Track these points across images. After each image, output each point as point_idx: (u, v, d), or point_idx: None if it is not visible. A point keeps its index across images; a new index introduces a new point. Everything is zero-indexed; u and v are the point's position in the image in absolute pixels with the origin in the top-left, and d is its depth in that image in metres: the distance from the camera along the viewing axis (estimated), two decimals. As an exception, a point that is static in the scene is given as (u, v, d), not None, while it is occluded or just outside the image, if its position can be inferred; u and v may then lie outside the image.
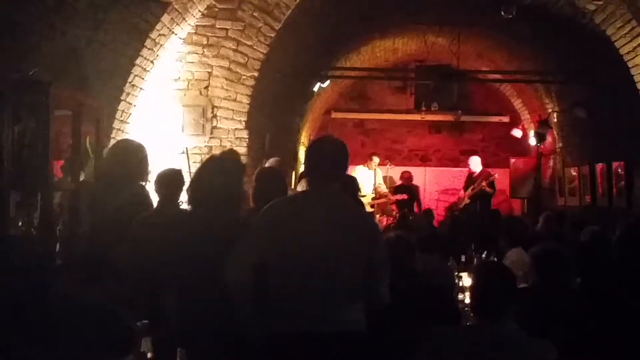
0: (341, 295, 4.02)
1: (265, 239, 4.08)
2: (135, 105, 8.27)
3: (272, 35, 9.41)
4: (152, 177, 6.25)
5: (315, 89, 14.11)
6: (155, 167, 6.63)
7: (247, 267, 4.03)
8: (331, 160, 4.24)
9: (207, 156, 8.89)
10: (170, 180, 5.85)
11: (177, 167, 7.19)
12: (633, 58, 10.23)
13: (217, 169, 4.59)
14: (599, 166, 12.90)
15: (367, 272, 4.06)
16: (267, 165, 8.04)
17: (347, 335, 4.01)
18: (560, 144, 15.65)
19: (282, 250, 4.03)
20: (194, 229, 4.41)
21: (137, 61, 7.85)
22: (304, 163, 4.36)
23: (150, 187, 6.18)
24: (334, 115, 19.05)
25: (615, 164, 12.17)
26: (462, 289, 6.66)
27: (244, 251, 4.08)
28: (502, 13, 9.43)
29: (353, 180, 10.37)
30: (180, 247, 4.37)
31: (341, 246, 4.03)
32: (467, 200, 15.18)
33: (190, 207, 4.62)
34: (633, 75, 10.37)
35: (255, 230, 4.16)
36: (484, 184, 14.92)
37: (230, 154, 8.31)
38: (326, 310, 3.99)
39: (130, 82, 7.89)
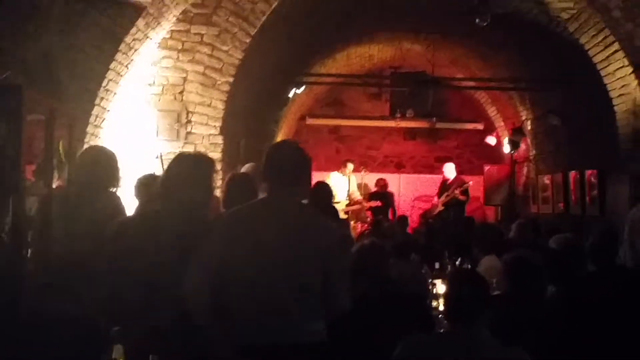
0: (300, 305, 3.97)
1: (222, 247, 4.02)
2: (109, 110, 8.20)
3: (248, 40, 9.39)
4: (125, 182, 6.24)
5: (291, 94, 14.12)
6: (130, 172, 6.60)
7: (204, 275, 3.98)
8: (289, 165, 4.18)
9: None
10: (150, 186, 5.82)
11: (157, 173, 7.17)
12: (606, 66, 10.32)
13: (187, 165, 4.54)
14: (572, 174, 12.99)
15: (326, 280, 4.01)
16: (242, 171, 8.01)
17: (308, 346, 3.97)
18: (534, 152, 15.75)
19: (239, 259, 3.98)
20: (159, 231, 4.35)
21: (112, 66, 7.79)
22: (262, 169, 4.28)
23: (121, 193, 6.15)
24: (309, 121, 19.06)
25: (588, 172, 12.26)
26: (436, 296, 6.66)
27: (201, 259, 4.01)
28: (477, 21, 9.48)
29: (325, 187, 10.39)
30: (143, 250, 4.31)
31: (299, 255, 3.98)
32: (440, 207, 15.22)
33: (159, 204, 4.55)
34: (606, 84, 10.46)
35: (213, 238, 4.09)
36: (457, 191, 14.97)
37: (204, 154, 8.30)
38: (286, 321, 3.95)
39: (104, 87, 7.83)
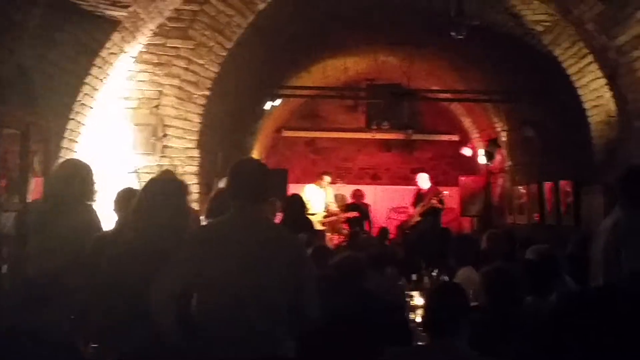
0: (269, 321, 3.99)
1: (189, 264, 4.05)
2: (84, 124, 8.16)
3: (224, 54, 9.38)
4: (101, 197, 6.21)
5: (267, 107, 14.13)
6: (106, 186, 6.58)
7: (170, 291, 3.99)
8: (252, 182, 4.22)
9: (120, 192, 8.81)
10: (129, 200, 5.80)
11: (136, 188, 7.16)
12: (580, 78, 10.41)
13: (159, 191, 4.54)
14: (547, 185, 13.08)
15: (295, 294, 4.05)
16: (220, 184, 8.01)
17: None
18: (509, 163, 15.85)
19: (206, 276, 4.00)
20: (135, 251, 4.35)
21: (87, 80, 7.76)
22: (227, 187, 4.31)
23: (97, 207, 6.13)
24: (285, 133, 19.07)
25: (563, 183, 12.34)
26: (413, 308, 6.68)
27: (167, 274, 4.03)
28: (453, 34, 9.52)
29: (298, 198, 10.42)
30: (122, 268, 4.31)
31: (266, 270, 4.00)
32: (417, 218, 15.26)
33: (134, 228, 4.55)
34: (580, 95, 10.55)
35: (180, 256, 4.11)
36: (434, 200, 15.02)
37: (166, 174, 8.31)
38: (254, 337, 3.96)
39: (79, 101, 7.79)
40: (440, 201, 15.11)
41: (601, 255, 5.30)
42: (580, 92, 10.54)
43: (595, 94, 10.32)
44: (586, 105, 10.55)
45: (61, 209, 5.83)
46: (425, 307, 4.30)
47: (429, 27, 11.69)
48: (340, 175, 17.75)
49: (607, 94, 9.93)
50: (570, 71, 10.52)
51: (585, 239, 7.21)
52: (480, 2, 10.73)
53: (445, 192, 15.37)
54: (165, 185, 4.73)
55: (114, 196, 6.30)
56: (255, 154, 15.38)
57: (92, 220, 6.00)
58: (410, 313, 6.63)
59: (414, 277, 8.59)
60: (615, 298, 3.59)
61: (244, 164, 4.64)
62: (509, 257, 7.72)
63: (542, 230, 12.88)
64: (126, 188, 6.17)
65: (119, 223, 5.76)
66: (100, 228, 5.97)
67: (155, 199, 4.47)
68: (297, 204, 10.10)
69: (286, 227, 8.14)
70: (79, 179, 6.01)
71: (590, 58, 9.87)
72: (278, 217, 9.84)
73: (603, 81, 9.78)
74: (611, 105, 10.03)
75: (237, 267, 3.98)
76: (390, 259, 8.49)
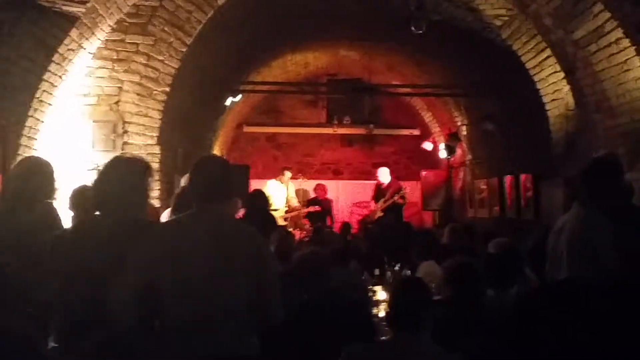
0: (230, 318, 3.96)
1: (149, 261, 3.99)
2: (43, 122, 8.08)
3: (184, 49, 9.33)
4: (61, 194, 6.14)
5: (228, 103, 14.07)
6: (65, 184, 6.49)
7: (130, 289, 3.95)
8: (215, 179, 4.18)
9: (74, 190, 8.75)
10: (86, 197, 5.74)
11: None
12: (539, 72, 10.51)
13: (121, 168, 4.50)
14: (508, 178, 13.17)
15: (258, 290, 4.02)
16: (183, 181, 7.96)
17: (241, 359, 3.98)
18: (470, 157, 15.95)
19: (166, 273, 3.95)
20: (96, 237, 4.30)
21: (45, 76, 7.68)
22: (189, 184, 4.28)
23: (58, 205, 6.06)
24: (246, 129, 19.03)
25: (523, 176, 12.44)
26: (377, 303, 6.69)
27: (128, 273, 3.98)
28: (412, 29, 9.56)
29: (262, 194, 10.38)
30: (81, 260, 4.26)
31: (227, 267, 3.97)
32: (380, 213, 15.33)
33: (93, 210, 4.51)
34: (539, 89, 10.65)
35: (140, 252, 4.05)
36: (396, 197, 15.11)
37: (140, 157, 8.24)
38: (215, 335, 3.92)
39: (37, 98, 7.71)
40: (402, 197, 15.24)
41: (565, 251, 5.23)
42: (539, 85, 10.64)
43: (554, 88, 10.42)
44: (545, 99, 10.65)
45: (20, 206, 5.75)
46: (388, 302, 4.31)
47: (389, 22, 11.72)
48: (302, 171, 17.77)
49: (566, 88, 10.04)
50: (529, 65, 10.62)
51: (546, 232, 7.26)
52: (439, -4, 10.79)
53: (406, 188, 15.46)
54: (125, 164, 4.66)
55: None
56: (216, 150, 15.34)
57: (52, 218, 5.92)
58: (374, 308, 6.65)
59: (376, 271, 8.61)
60: (580, 292, 3.63)
61: (207, 161, 4.61)
62: (470, 250, 7.77)
63: (503, 224, 12.98)
64: (81, 185, 6.09)
65: (75, 220, 5.70)
66: (60, 226, 5.90)
67: (114, 177, 4.41)
68: (260, 199, 10.06)
69: (249, 224, 8.16)
70: (38, 176, 5.93)
71: (548, 52, 9.96)
72: (240, 214, 9.83)
73: (561, 75, 9.89)
74: (570, 99, 10.14)
75: (200, 265, 3.94)
76: (353, 254, 8.50)
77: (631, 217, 5.43)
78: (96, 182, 4.56)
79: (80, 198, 5.80)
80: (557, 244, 5.35)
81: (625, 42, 7.86)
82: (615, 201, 5.38)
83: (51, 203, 6.00)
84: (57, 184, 6.05)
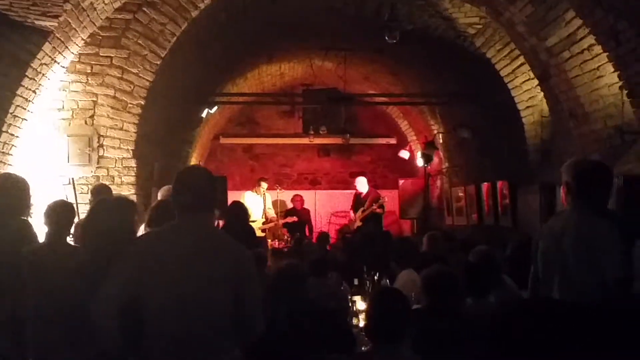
0: (213, 331, 3.94)
1: (131, 275, 3.97)
2: (18, 137, 8.02)
3: (158, 62, 9.31)
4: (36, 210, 6.09)
5: (204, 114, 14.05)
6: (41, 199, 6.45)
7: (112, 303, 3.93)
8: (196, 191, 4.15)
9: (94, 186, 8.73)
10: (60, 213, 5.71)
11: (67, 200, 7.06)
12: (513, 79, 10.59)
13: (110, 210, 4.52)
14: (485, 185, 13.21)
15: (239, 304, 3.99)
16: (160, 194, 7.93)
17: None
18: (447, 164, 16.00)
19: (148, 286, 3.92)
20: (79, 267, 4.31)
21: (19, 91, 7.62)
22: (172, 194, 4.25)
23: (33, 221, 6.01)
24: (222, 140, 19.01)
25: (499, 183, 12.49)
26: (356, 313, 6.67)
27: (109, 287, 3.97)
28: (386, 38, 9.59)
29: (241, 206, 10.37)
30: (60, 285, 4.26)
31: (209, 280, 3.94)
32: (359, 223, 15.34)
33: (81, 244, 4.52)
34: (514, 96, 10.72)
35: (122, 266, 4.03)
36: (374, 206, 15.13)
37: (101, 187, 8.27)
38: (199, 348, 3.90)
39: (11, 113, 7.64)
40: (381, 206, 15.27)
41: (572, 256, 5.16)
42: (513, 93, 10.73)
43: (528, 95, 10.51)
44: (520, 106, 10.74)
45: (-5, 222, 5.70)
46: (367, 314, 4.30)
47: (362, 31, 11.76)
48: (279, 181, 17.79)
49: (540, 95, 10.13)
50: (503, 72, 10.70)
51: (524, 240, 7.27)
52: (412, 6, 10.83)
53: (385, 197, 15.49)
54: (113, 205, 4.69)
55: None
56: (193, 162, 15.28)
57: (27, 234, 5.87)
58: (353, 318, 6.63)
59: (355, 281, 8.59)
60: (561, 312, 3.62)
61: (190, 172, 4.60)
62: (449, 258, 7.78)
63: (481, 231, 13.02)
64: (56, 200, 6.05)
65: (49, 235, 5.66)
66: (36, 242, 5.86)
67: (101, 218, 4.43)
68: (240, 211, 10.06)
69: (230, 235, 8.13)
70: (13, 192, 5.89)
71: (521, 59, 10.06)
72: (219, 225, 9.82)
73: (535, 82, 9.98)
74: (544, 106, 10.23)
75: (182, 278, 3.91)
76: (332, 264, 8.49)
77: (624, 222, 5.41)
78: (83, 223, 4.57)
79: (54, 214, 5.76)
80: (559, 249, 5.22)
81: (598, 49, 7.93)
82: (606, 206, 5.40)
83: (26, 219, 5.96)
84: (32, 200, 6.01)
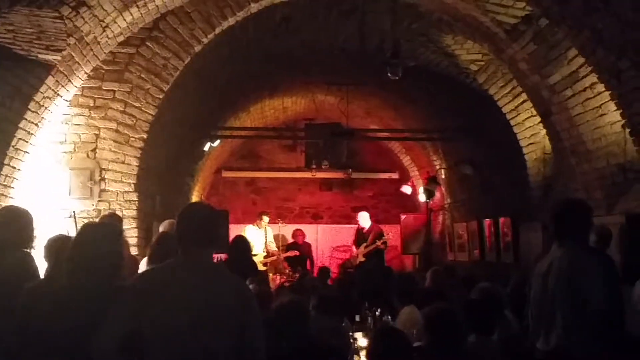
0: None
1: (132, 311, 3.97)
2: (20, 170, 8.01)
3: (161, 96, 9.33)
4: (38, 243, 6.07)
5: (206, 148, 14.07)
6: (42, 232, 6.42)
7: (113, 338, 3.92)
8: (200, 227, 4.17)
9: (102, 216, 8.71)
10: (60, 247, 5.68)
11: (67, 234, 7.03)
12: (515, 116, 10.60)
13: (94, 236, 4.51)
14: (487, 221, 13.19)
15: (241, 340, 3.98)
16: (161, 228, 7.91)
17: None
18: (449, 200, 15.98)
19: (151, 322, 3.92)
20: (67, 298, 4.29)
21: (21, 124, 7.62)
22: (176, 231, 4.26)
23: (36, 254, 5.98)
24: (224, 174, 19.02)
25: (501, 220, 12.47)
26: (357, 350, 6.62)
27: (111, 322, 3.96)
28: (389, 75, 9.61)
29: (244, 240, 10.35)
30: (52, 317, 4.24)
31: (211, 317, 3.94)
32: (361, 258, 15.28)
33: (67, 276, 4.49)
34: (516, 133, 10.72)
35: (123, 302, 4.04)
36: (378, 242, 15.09)
37: (110, 218, 8.21)
38: None
39: (14, 146, 7.64)
40: (384, 243, 15.22)
41: (557, 296, 5.19)
42: (516, 129, 10.73)
43: (531, 132, 10.51)
44: (522, 143, 10.74)
45: (-3, 254, 5.68)
46: (367, 353, 4.26)
47: (365, 67, 11.81)
48: (281, 215, 17.75)
49: (542, 132, 10.12)
50: (505, 109, 10.71)
51: (526, 276, 7.26)
52: (415, 42, 10.87)
53: (389, 234, 15.45)
54: (97, 230, 4.69)
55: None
56: (195, 196, 15.29)
57: (28, 267, 5.84)
58: (354, 355, 6.58)
59: (357, 317, 8.54)
60: None
61: (193, 208, 4.60)
62: (451, 294, 7.74)
63: (483, 267, 12.98)
64: (57, 235, 6.03)
65: (49, 271, 5.64)
66: (37, 275, 5.82)
67: (87, 245, 4.42)
68: (242, 245, 10.04)
69: (232, 270, 8.08)
70: (15, 225, 5.87)
71: (524, 96, 10.07)
72: (222, 259, 9.80)
73: (538, 119, 9.98)
74: (546, 143, 10.22)
75: (185, 314, 3.91)
76: (335, 300, 8.42)
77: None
78: (69, 250, 4.55)
79: (55, 248, 5.74)
80: (545, 287, 5.30)
81: (600, 87, 7.94)
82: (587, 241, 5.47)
83: (28, 252, 5.93)
84: (34, 233, 5.99)
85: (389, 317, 8.02)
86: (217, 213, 4.40)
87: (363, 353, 6.33)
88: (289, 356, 5.04)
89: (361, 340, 6.89)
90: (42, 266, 6.04)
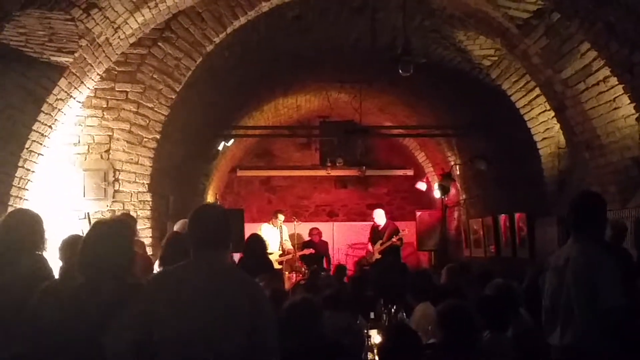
0: None
1: (146, 310, 3.98)
2: (33, 171, 8.04)
3: (173, 96, 9.35)
4: (51, 245, 6.09)
5: (220, 147, 14.08)
6: (56, 234, 6.45)
7: (127, 338, 3.94)
8: (212, 228, 4.18)
9: (117, 216, 8.73)
10: (74, 247, 5.70)
11: (82, 234, 7.05)
12: (529, 111, 10.56)
13: (104, 235, 4.53)
14: (502, 217, 13.15)
15: (255, 340, 3.98)
16: (176, 227, 7.92)
17: None
18: (464, 196, 15.94)
19: (163, 322, 3.92)
20: (80, 295, 4.31)
21: (34, 127, 7.65)
22: (188, 233, 4.27)
23: (48, 256, 6.01)
24: (239, 173, 19.04)
25: (517, 215, 12.42)
26: (372, 348, 6.60)
27: (122, 324, 3.98)
28: (400, 71, 9.59)
29: (259, 239, 10.36)
30: (66, 315, 4.27)
31: (224, 318, 3.94)
32: (377, 255, 15.26)
33: (79, 273, 4.51)
34: (530, 128, 10.67)
35: (137, 302, 4.06)
36: (394, 239, 15.07)
37: (122, 217, 8.23)
38: None
39: (27, 148, 7.67)
40: (400, 239, 15.21)
41: (574, 290, 5.17)
42: (529, 124, 10.68)
43: (545, 127, 10.46)
44: (536, 138, 10.69)
45: (8, 258, 5.70)
46: (379, 350, 4.26)
47: (377, 64, 11.77)
48: (296, 213, 17.74)
49: (556, 126, 10.07)
50: (519, 104, 10.67)
51: (541, 271, 7.23)
52: (427, 38, 10.84)
53: (404, 230, 15.45)
54: (107, 227, 4.70)
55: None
56: (210, 195, 15.32)
57: (42, 269, 5.86)
58: (369, 353, 6.57)
59: (372, 315, 8.53)
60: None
61: (205, 210, 4.59)
62: (466, 291, 7.71)
63: (499, 263, 12.94)
64: (71, 235, 6.06)
65: (63, 271, 5.66)
66: (51, 277, 5.85)
67: (97, 242, 4.44)
68: (257, 244, 10.05)
69: (247, 268, 8.08)
70: (27, 229, 5.88)
71: (537, 91, 10.03)
72: (231, 257, 9.77)
73: (551, 113, 9.93)
74: (560, 137, 10.17)
75: (198, 315, 3.92)
76: (348, 297, 8.42)
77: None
78: (81, 248, 4.57)
79: (69, 249, 5.76)
80: (561, 282, 5.26)
81: (613, 81, 7.90)
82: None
83: (41, 254, 5.95)
84: (46, 235, 6.01)
85: (404, 314, 8.01)
86: (228, 214, 4.40)
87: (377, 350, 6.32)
88: (301, 354, 5.04)
89: (376, 338, 6.88)
90: (56, 267, 6.08)
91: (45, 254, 6.00)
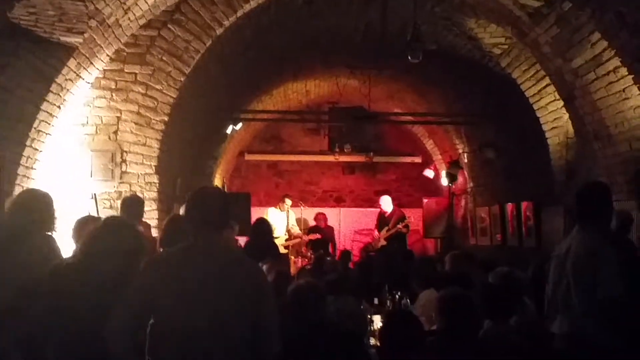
0: (229, 351, 3.92)
1: (147, 291, 3.99)
2: (41, 151, 8.06)
3: (182, 79, 9.35)
4: (60, 224, 6.12)
5: (229, 131, 14.08)
6: (64, 214, 6.48)
7: (127, 318, 3.97)
8: (212, 210, 4.18)
9: (124, 197, 8.76)
10: (88, 228, 5.73)
11: (96, 215, 7.11)
12: (538, 100, 10.53)
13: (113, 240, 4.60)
14: (509, 206, 13.14)
15: (256, 324, 3.99)
16: (181, 210, 7.95)
17: None
18: (471, 184, 15.92)
19: (164, 304, 3.93)
20: (89, 279, 4.36)
21: (43, 106, 7.67)
22: (186, 214, 4.28)
23: (57, 236, 6.04)
24: (247, 157, 19.04)
25: (524, 204, 12.41)
26: (374, 333, 6.63)
27: (126, 302, 4.01)
28: (409, 58, 9.55)
29: (265, 222, 10.38)
30: (75, 295, 4.31)
31: (225, 300, 3.95)
32: (383, 242, 15.27)
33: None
34: (539, 117, 10.64)
35: (139, 282, 4.08)
36: (400, 225, 15.08)
37: (131, 201, 8.29)
38: None
39: (35, 128, 7.69)
40: (406, 226, 15.22)
41: (572, 279, 5.19)
42: (539, 114, 10.66)
43: (554, 116, 10.43)
44: (545, 127, 10.67)
45: (18, 238, 5.73)
46: (379, 335, 4.27)
47: (387, 50, 11.74)
48: (304, 199, 17.74)
49: (565, 116, 10.04)
50: (528, 93, 10.64)
51: (546, 260, 7.22)
52: (438, 25, 10.81)
53: (410, 217, 15.44)
54: (117, 230, 4.75)
55: (72, 224, 6.24)
56: (217, 178, 15.34)
57: (51, 249, 5.90)
58: (372, 338, 6.59)
59: (375, 300, 8.55)
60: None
61: (203, 192, 4.59)
62: (466, 279, 7.71)
63: (504, 252, 12.93)
64: (85, 216, 6.10)
65: (76, 251, 5.69)
66: (60, 257, 5.88)
67: (102, 246, 4.50)
68: (264, 228, 10.08)
69: (253, 252, 8.10)
70: (37, 208, 5.91)
71: (547, 80, 9.99)
72: (236, 240, 9.83)
73: (561, 103, 9.89)
74: (569, 127, 10.14)
75: (196, 296, 3.92)
76: (351, 282, 8.43)
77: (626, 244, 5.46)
78: (88, 249, 4.62)
79: (82, 229, 5.81)
80: (563, 271, 5.30)
81: (623, 71, 7.87)
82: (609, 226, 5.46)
83: (50, 235, 5.98)
84: (55, 216, 6.04)
85: (408, 300, 8.03)
86: (226, 195, 4.44)
87: (380, 336, 6.34)
88: (304, 338, 5.05)
89: (379, 323, 6.90)
90: (66, 247, 6.12)
91: (55, 234, 6.05)
